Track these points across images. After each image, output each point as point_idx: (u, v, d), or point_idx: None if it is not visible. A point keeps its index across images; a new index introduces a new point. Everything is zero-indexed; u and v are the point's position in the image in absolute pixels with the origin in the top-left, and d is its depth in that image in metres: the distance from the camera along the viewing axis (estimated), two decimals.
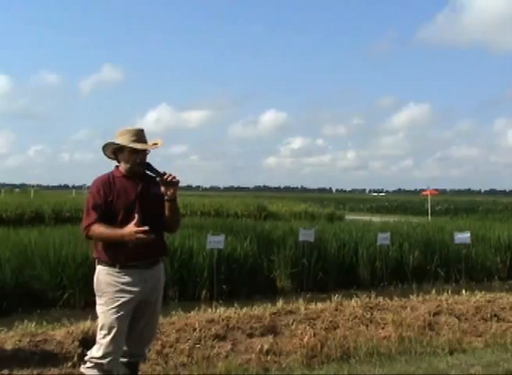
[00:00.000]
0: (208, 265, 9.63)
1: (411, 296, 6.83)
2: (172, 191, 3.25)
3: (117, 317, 3.15)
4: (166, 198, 3.27)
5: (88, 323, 4.83)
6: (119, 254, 3.19)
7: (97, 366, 3.16)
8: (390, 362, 4.52)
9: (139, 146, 3.27)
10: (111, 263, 3.21)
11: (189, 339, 4.72)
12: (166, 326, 5.04)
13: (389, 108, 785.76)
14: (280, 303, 5.98)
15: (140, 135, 3.32)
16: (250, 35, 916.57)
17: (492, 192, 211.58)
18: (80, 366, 3.97)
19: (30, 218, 19.21)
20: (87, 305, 7.70)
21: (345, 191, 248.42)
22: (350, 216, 27.49)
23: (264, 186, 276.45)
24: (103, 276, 3.22)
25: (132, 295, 3.19)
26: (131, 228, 3.08)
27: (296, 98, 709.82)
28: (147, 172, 3.32)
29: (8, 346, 4.34)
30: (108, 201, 3.21)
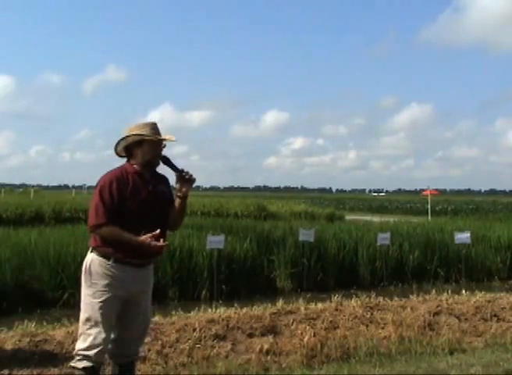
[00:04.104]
0: (207, 265, 9.61)
1: (411, 296, 6.83)
2: (186, 187, 3.26)
3: (104, 311, 3.12)
4: (179, 194, 3.27)
5: None
6: (117, 248, 3.14)
7: (84, 357, 3.14)
8: (390, 362, 4.52)
9: (167, 137, 3.28)
10: (106, 255, 3.16)
11: (189, 339, 4.72)
12: (166, 326, 5.03)
13: (391, 109, 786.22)
14: (280, 303, 5.98)
15: (157, 128, 3.33)
16: (252, 36, 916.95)
17: (492, 192, 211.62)
18: None
19: (30, 218, 19.22)
20: None
21: (345, 191, 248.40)
22: (350, 216, 27.49)
23: (264, 186, 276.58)
24: (96, 266, 3.17)
25: (120, 291, 3.16)
26: (149, 241, 3.09)
27: (297, 98, 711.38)
28: (165, 165, 3.31)
29: (8, 346, 4.35)
30: (123, 197, 3.14)
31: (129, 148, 3.30)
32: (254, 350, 4.65)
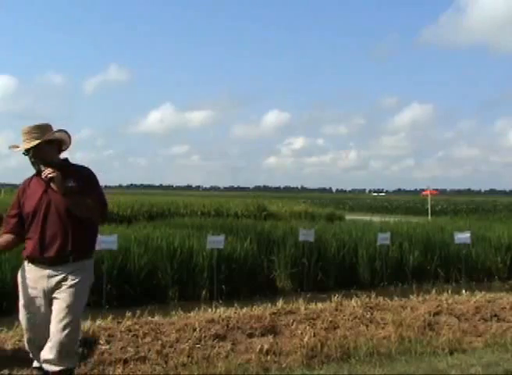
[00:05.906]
0: (207, 265, 9.63)
1: (411, 296, 6.84)
2: (55, 185, 3.12)
3: (24, 313, 3.27)
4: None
5: (88, 323, 4.84)
6: (26, 248, 3.28)
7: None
8: (390, 362, 4.52)
9: (16, 149, 3.21)
10: (24, 257, 3.32)
11: (189, 339, 4.72)
12: (166, 326, 5.04)
13: (391, 109, 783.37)
14: (280, 303, 5.99)
15: (28, 133, 3.20)
16: (253, 36, 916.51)
17: (492, 192, 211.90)
18: (80, 365, 3.99)
19: None
20: (86, 305, 7.68)
21: (345, 191, 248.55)
22: (350, 216, 27.49)
23: (264, 186, 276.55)
24: (21, 269, 3.37)
25: (35, 292, 3.24)
26: None
27: (298, 99, 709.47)
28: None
29: (8, 346, 4.36)
30: (22, 202, 3.30)
31: None
32: (254, 350, 4.64)
